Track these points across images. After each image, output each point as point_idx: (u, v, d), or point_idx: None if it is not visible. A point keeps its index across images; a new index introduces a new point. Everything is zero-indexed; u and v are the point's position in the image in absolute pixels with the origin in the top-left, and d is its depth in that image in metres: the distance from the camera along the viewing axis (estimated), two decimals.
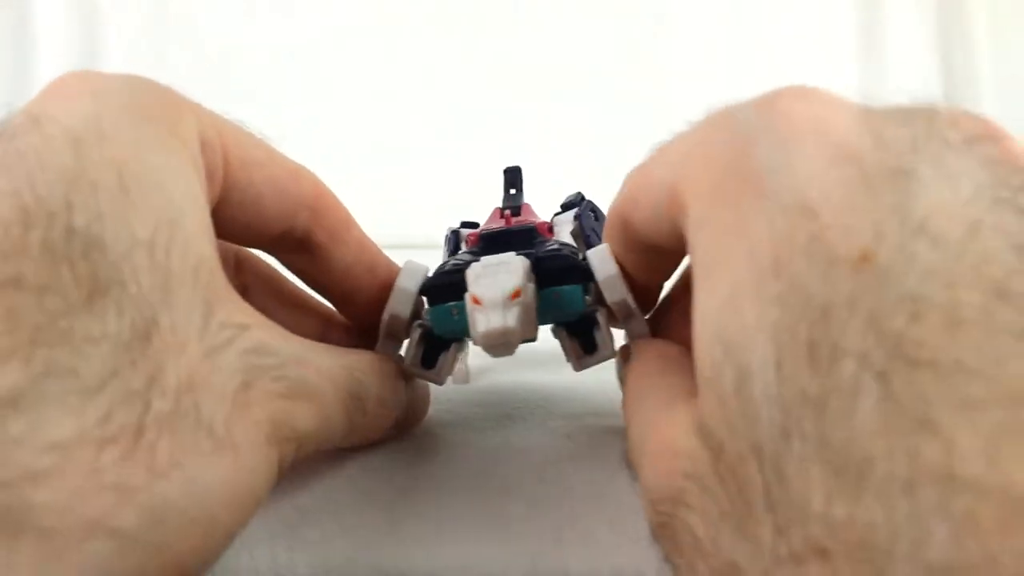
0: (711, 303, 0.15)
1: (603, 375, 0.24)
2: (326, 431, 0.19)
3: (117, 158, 0.16)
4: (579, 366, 0.24)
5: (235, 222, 0.21)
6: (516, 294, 0.20)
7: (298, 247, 0.23)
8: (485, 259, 0.22)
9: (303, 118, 0.95)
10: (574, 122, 0.97)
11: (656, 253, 0.21)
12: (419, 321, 0.24)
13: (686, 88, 0.99)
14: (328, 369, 0.19)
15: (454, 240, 0.30)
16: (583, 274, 0.23)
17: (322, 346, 0.19)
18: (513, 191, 0.31)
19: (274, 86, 0.97)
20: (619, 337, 0.24)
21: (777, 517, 0.12)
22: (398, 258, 0.25)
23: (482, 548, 0.18)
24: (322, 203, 0.22)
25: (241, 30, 1.00)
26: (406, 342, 0.24)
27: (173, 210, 0.16)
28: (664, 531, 0.15)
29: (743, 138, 0.16)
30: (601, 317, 0.23)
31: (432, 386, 0.30)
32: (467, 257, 0.25)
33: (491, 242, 0.26)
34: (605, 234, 0.23)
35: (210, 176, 0.19)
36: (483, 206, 0.32)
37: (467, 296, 0.21)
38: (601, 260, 0.23)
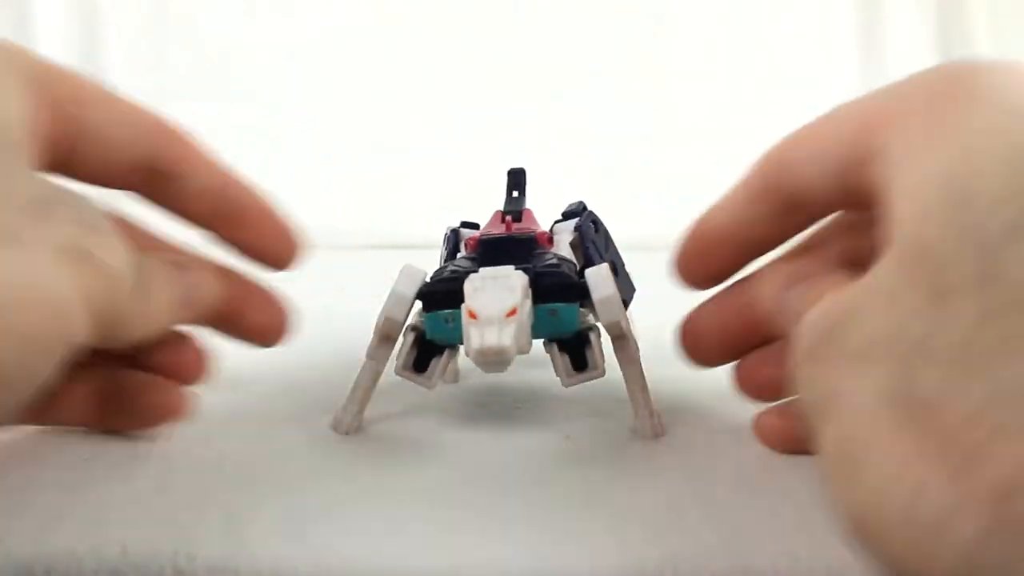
0: (934, 159, 0.16)
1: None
2: (122, 286, 0.20)
3: None
4: (568, 383, 0.24)
5: (91, 160, 0.23)
6: (512, 312, 0.20)
7: (152, 178, 0.24)
8: (484, 271, 0.23)
9: (303, 118, 0.95)
10: (574, 122, 0.97)
11: (792, 203, 0.22)
12: (411, 324, 0.24)
13: (686, 88, 0.99)
14: (121, 239, 0.20)
15: (453, 239, 0.30)
16: (580, 292, 0.23)
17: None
18: (516, 193, 0.31)
19: (274, 86, 0.97)
20: (611, 359, 0.24)
21: (985, 294, 0.14)
22: (398, 259, 0.25)
23: (482, 548, 0.18)
24: (167, 131, 0.24)
25: (241, 30, 1.00)
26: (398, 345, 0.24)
27: None
28: (822, 351, 0.17)
29: (957, 73, 0.18)
30: (594, 336, 0.24)
31: (440, 387, 0.30)
32: (466, 264, 0.25)
33: (490, 249, 0.26)
34: (743, 181, 0.23)
35: (48, 106, 0.21)
36: (483, 206, 0.32)
37: (463, 308, 0.21)
38: (599, 280, 0.23)
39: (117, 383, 0.25)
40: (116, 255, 0.20)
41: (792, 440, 0.23)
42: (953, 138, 0.16)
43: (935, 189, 0.16)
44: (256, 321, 0.26)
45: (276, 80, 0.98)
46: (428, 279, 0.24)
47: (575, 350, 0.24)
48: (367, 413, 0.27)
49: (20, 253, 0.17)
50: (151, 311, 0.22)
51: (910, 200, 0.16)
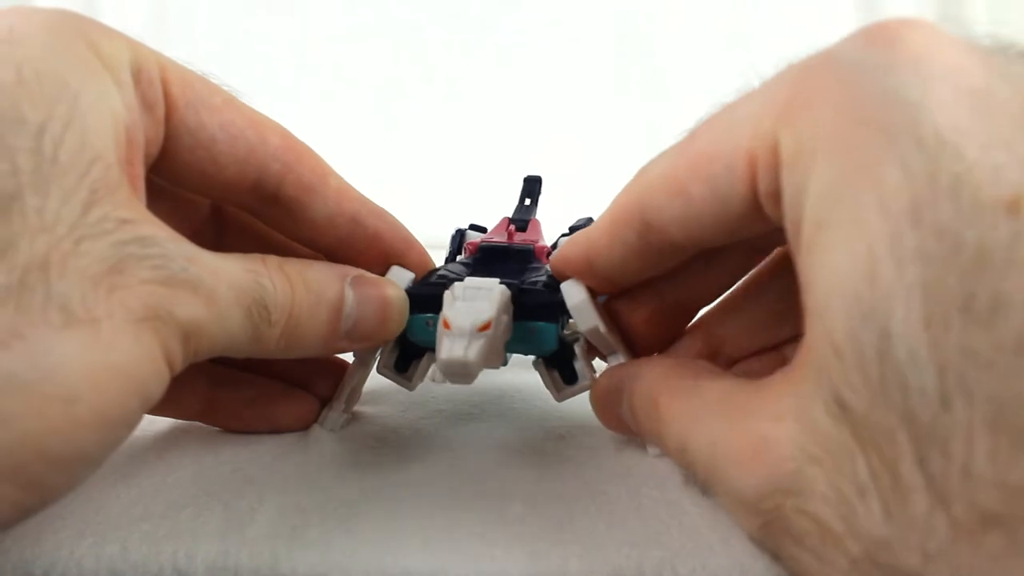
0: (838, 265, 0.13)
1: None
2: (221, 330, 0.18)
3: (20, 58, 0.17)
4: (559, 397, 0.24)
5: (189, 168, 0.20)
6: (485, 327, 0.20)
7: (272, 202, 0.22)
8: (468, 281, 0.23)
9: (303, 118, 0.94)
10: (578, 123, 0.97)
11: (668, 251, 0.19)
12: None
13: (687, 89, 0.99)
14: (227, 271, 0.18)
15: (458, 241, 0.31)
16: (561, 311, 0.23)
17: (230, 255, 0.19)
18: (528, 202, 0.32)
19: (274, 86, 0.97)
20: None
21: (935, 487, 0.12)
22: None
23: (482, 548, 0.18)
24: (292, 155, 0.22)
25: (241, 30, 1.00)
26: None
27: (74, 107, 0.17)
28: (773, 528, 0.15)
29: (854, 74, 0.15)
30: (579, 348, 0.24)
31: (431, 384, 0.30)
32: (459, 269, 0.25)
33: (488, 255, 0.26)
34: (609, 233, 0.21)
35: (148, 107, 0.19)
36: (488, 208, 0.32)
37: (440, 317, 0.21)
38: (571, 289, 0.23)
39: (240, 383, 0.24)
40: (212, 307, 0.18)
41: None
42: (860, 228, 0.13)
43: (846, 321, 0.13)
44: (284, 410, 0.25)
45: (276, 80, 0.98)
46: (415, 282, 0.24)
47: (564, 364, 0.24)
48: (365, 412, 0.27)
49: (95, 335, 0.15)
50: (277, 339, 0.19)
51: (824, 324, 0.14)
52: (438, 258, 0.28)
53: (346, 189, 0.23)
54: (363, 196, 0.23)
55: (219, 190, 0.21)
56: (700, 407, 0.18)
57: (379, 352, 0.25)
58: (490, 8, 1.01)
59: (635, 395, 0.21)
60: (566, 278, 0.23)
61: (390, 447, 0.24)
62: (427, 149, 0.96)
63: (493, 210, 0.32)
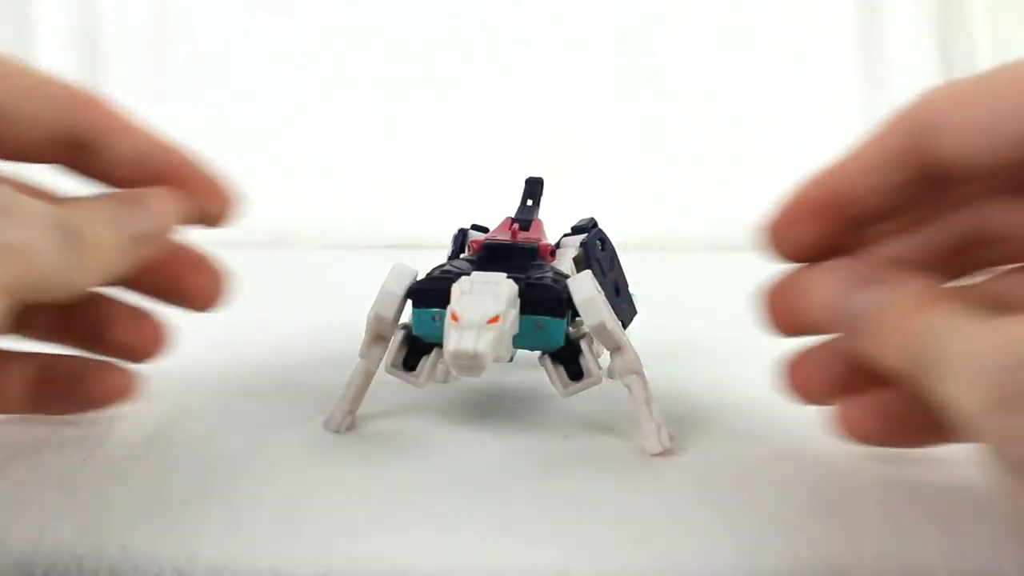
0: None
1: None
2: (32, 260, 0.18)
3: None
4: (564, 393, 0.24)
5: (2, 136, 0.21)
6: (494, 320, 0.20)
7: (74, 148, 0.23)
8: (475, 275, 0.23)
9: (303, 119, 0.94)
10: (580, 125, 0.97)
11: (935, 175, 0.19)
12: (404, 322, 0.24)
13: (687, 89, 0.99)
14: (37, 204, 0.19)
15: (460, 239, 0.31)
16: (568, 306, 0.23)
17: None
18: (530, 203, 0.32)
19: (274, 86, 0.97)
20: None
21: None
22: (399, 259, 0.25)
23: (483, 548, 0.18)
24: (85, 101, 0.22)
25: (241, 30, 1.00)
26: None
27: None
28: (1016, 398, 0.15)
29: None
30: (585, 344, 0.24)
31: (435, 384, 0.30)
32: (463, 265, 0.25)
33: (492, 253, 0.26)
34: (875, 141, 0.20)
35: None
36: (491, 210, 0.32)
37: (448, 310, 0.21)
38: (579, 284, 0.23)
39: (57, 367, 0.24)
40: (22, 226, 0.18)
41: (882, 435, 0.22)
42: None
43: None
44: (194, 284, 0.25)
45: (276, 80, 0.98)
46: (420, 277, 0.24)
47: (569, 360, 0.24)
48: (369, 413, 0.27)
49: None
50: (90, 259, 0.20)
51: None
52: (434, 260, 0.28)
53: (138, 129, 0.24)
54: (156, 133, 0.24)
55: (29, 151, 0.22)
56: (959, 306, 0.17)
57: (386, 352, 0.25)
58: (490, 8, 1.01)
59: (898, 296, 0.19)
60: (804, 204, 0.21)
61: (391, 447, 0.24)
62: (428, 149, 0.96)
63: (494, 210, 0.32)
